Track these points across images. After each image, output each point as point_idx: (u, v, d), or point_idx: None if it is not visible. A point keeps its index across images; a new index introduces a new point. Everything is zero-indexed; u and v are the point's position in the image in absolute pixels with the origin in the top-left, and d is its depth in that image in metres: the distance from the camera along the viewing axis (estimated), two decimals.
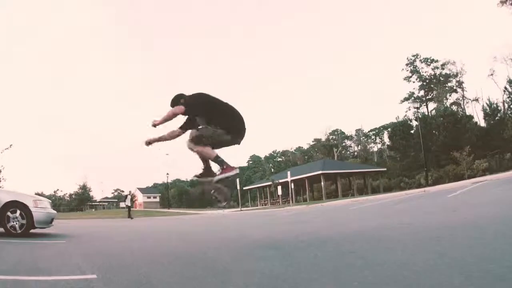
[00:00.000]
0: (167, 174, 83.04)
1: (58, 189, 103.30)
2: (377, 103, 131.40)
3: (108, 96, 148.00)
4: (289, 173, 39.89)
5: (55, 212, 10.45)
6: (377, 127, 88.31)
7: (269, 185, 53.40)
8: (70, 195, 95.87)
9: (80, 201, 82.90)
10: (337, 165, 58.86)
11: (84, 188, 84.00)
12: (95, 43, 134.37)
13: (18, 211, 9.04)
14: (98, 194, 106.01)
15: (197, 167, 5.92)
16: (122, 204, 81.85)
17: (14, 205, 9.06)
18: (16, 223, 9.06)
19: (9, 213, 9.08)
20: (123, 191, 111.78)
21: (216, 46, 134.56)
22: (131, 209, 34.48)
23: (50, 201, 10.78)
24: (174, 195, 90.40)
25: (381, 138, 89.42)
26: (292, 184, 41.51)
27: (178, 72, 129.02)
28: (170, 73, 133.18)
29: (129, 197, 34.88)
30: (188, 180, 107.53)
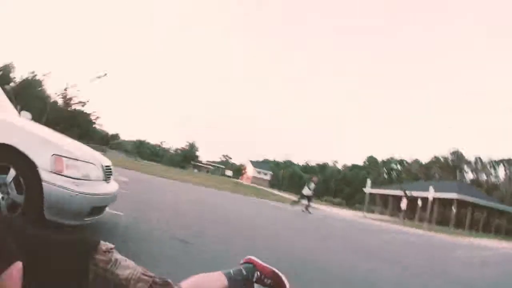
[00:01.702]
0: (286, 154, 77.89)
1: (164, 141, 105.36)
2: None
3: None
4: (431, 188, 33.72)
5: (112, 190, 4.53)
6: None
7: (396, 195, 46.63)
8: (176, 149, 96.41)
9: (185, 158, 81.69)
10: (475, 193, 50.82)
11: (192, 145, 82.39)
12: None
13: (12, 173, 3.64)
14: (204, 155, 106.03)
15: None
16: (228, 172, 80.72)
17: (7, 156, 3.68)
18: (2, 199, 3.65)
19: None
20: (231, 158, 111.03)
21: None
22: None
23: (109, 163, 4.76)
24: (284, 177, 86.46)
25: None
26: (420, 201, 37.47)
27: None
28: None
29: (312, 185, 22.66)
30: (301, 164, 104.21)
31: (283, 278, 2.55)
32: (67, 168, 3.65)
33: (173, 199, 12.53)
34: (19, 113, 5.53)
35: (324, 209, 32.19)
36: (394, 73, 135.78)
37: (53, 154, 3.62)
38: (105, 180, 4.30)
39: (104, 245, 1.97)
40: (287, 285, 2.55)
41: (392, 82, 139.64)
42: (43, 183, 3.51)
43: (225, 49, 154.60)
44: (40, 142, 3.82)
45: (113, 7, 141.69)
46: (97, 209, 4.11)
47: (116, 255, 1.98)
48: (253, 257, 2.60)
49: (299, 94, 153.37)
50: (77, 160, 3.80)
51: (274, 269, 2.56)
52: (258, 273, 2.51)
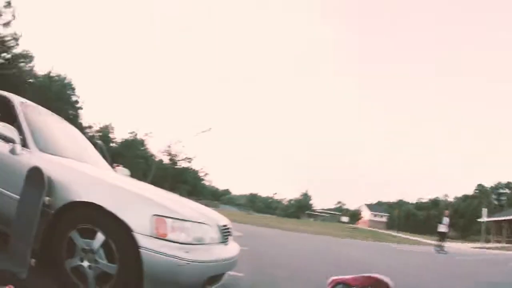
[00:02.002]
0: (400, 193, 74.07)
1: (276, 193, 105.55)
2: None
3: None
4: None
5: (233, 254, 3.53)
6: None
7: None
8: (289, 200, 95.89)
9: (299, 208, 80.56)
10: None
11: (305, 195, 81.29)
12: None
13: (100, 238, 2.91)
14: (318, 203, 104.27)
15: None
16: (343, 218, 78.13)
17: (92, 217, 3.00)
18: (89, 268, 2.93)
19: (75, 234, 3.00)
20: (345, 204, 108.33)
21: None
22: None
23: (227, 222, 3.87)
24: (399, 217, 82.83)
25: None
26: None
27: None
28: None
29: (446, 219, 20.46)
30: (414, 202, 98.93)
31: (381, 277, 2.33)
32: (173, 230, 2.89)
33: (293, 253, 11.61)
34: (114, 168, 5.03)
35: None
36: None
37: (154, 215, 2.88)
38: (223, 242, 3.48)
39: None
40: (390, 282, 2.32)
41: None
42: (141, 251, 2.76)
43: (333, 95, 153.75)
44: (135, 200, 3.11)
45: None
46: (214, 279, 3.24)
47: None
48: (336, 277, 2.45)
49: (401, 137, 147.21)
50: (185, 220, 3.02)
51: (366, 275, 2.36)
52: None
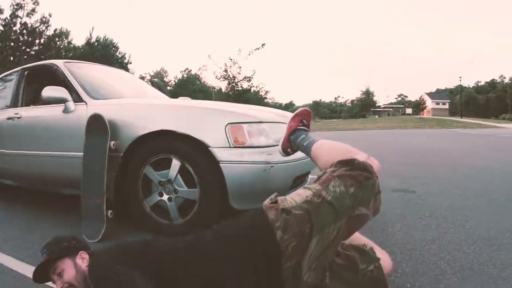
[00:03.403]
0: (460, 77, 69.84)
1: (338, 96, 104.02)
2: None
3: None
4: None
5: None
6: None
7: None
8: (352, 101, 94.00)
9: (363, 107, 78.74)
10: None
11: (367, 93, 78.83)
12: None
13: (175, 164, 2.68)
14: (381, 99, 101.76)
15: None
16: (408, 110, 75.71)
17: (164, 145, 2.75)
18: (169, 201, 2.74)
19: (148, 170, 2.81)
20: (406, 96, 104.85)
21: None
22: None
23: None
24: (461, 102, 79.79)
25: None
26: None
27: None
28: None
29: None
30: (473, 85, 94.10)
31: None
32: (251, 136, 2.58)
33: (363, 148, 11.31)
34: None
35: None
36: None
37: (228, 124, 2.58)
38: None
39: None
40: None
41: None
42: (221, 165, 2.52)
43: None
44: (206, 114, 2.78)
45: None
46: (300, 179, 3.01)
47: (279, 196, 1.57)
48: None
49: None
50: (261, 122, 2.69)
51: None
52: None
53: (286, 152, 2.18)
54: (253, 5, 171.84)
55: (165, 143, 2.73)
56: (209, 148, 2.54)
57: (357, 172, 1.51)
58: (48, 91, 3.22)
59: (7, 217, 3.65)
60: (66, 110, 3.29)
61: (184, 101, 3.66)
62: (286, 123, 2.54)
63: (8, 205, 4.19)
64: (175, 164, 2.67)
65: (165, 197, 2.75)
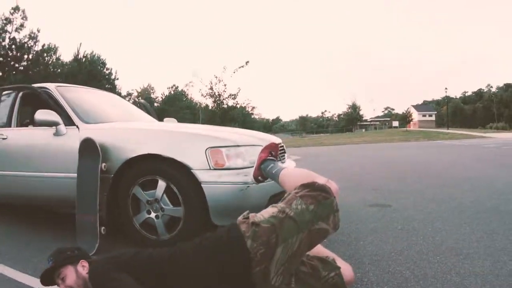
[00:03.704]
0: (446, 89, 70.69)
1: (325, 110, 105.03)
2: None
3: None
4: None
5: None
6: None
7: None
8: (339, 115, 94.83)
9: (349, 121, 79.41)
10: None
11: (353, 107, 79.56)
12: None
13: (161, 185, 2.95)
14: (368, 113, 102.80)
15: None
16: (394, 123, 76.35)
17: (151, 167, 3.02)
18: (157, 218, 3.01)
19: (137, 190, 3.06)
20: (393, 109, 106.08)
21: None
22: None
23: (280, 141, 3.77)
24: (447, 113, 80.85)
25: None
26: None
27: None
28: None
29: None
30: (460, 96, 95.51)
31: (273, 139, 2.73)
32: (229, 158, 2.84)
33: (346, 163, 11.58)
34: (162, 120, 5.04)
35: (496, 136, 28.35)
36: None
37: (208, 148, 2.84)
38: (279, 160, 3.40)
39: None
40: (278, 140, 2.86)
41: None
42: (203, 185, 2.76)
43: None
44: (187, 139, 3.07)
45: None
46: (277, 196, 3.21)
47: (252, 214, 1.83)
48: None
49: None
50: (238, 146, 2.95)
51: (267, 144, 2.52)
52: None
53: (257, 180, 2.44)
54: (238, 22, 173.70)
55: (152, 166, 2.96)
56: (192, 170, 2.77)
57: (316, 193, 1.79)
58: (41, 115, 3.40)
59: (7, 232, 3.84)
60: (57, 133, 3.46)
61: (168, 125, 3.93)
62: (261, 145, 2.81)
63: (8, 220, 4.36)
64: (161, 184, 2.90)
65: (152, 214, 2.97)
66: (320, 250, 2.02)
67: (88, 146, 3.15)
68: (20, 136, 3.92)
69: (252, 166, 2.60)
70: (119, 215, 3.13)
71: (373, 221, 3.89)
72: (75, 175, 3.19)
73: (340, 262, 1.93)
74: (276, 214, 1.77)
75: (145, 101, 5.85)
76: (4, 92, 4.43)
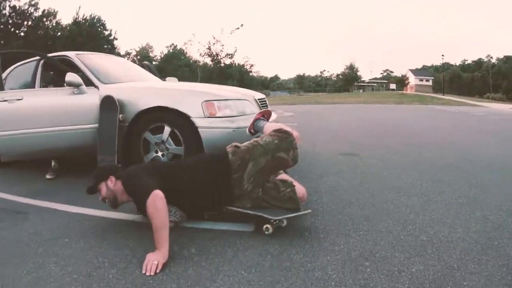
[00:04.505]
0: (443, 55, 70.39)
1: (324, 70, 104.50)
2: None
3: None
4: None
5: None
6: None
7: None
8: (337, 75, 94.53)
9: (347, 82, 79.49)
10: None
11: (351, 68, 79.41)
12: None
13: (167, 130, 3.81)
14: (366, 74, 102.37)
15: None
16: (392, 86, 76.36)
17: (159, 117, 3.85)
18: (163, 156, 3.89)
19: (148, 134, 3.93)
20: (392, 72, 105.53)
21: None
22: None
23: (263, 96, 4.74)
24: (444, 80, 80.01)
25: None
26: None
27: None
28: None
29: None
30: (459, 63, 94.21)
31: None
32: (220, 109, 3.68)
33: (337, 122, 12.18)
34: (164, 79, 5.81)
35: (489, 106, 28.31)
36: None
37: (203, 101, 3.67)
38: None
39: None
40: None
41: None
42: (199, 129, 3.61)
43: None
44: (187, 95, 3.90)
45: None
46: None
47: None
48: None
49: None
50: (227, 100, 3.80)
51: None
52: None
53: (250, 132, 3.31)
54: None
55: (159, 115, 3.78)
56: (191, 118, 3.62)
57: (281, 134, 2.70)
58: (70, 77, 4.04)
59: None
60: (80, 92, 4.10)
61: (171, 84, 4.79)
62: (246, 100, 3.74)
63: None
64: (167, 130, 3.76)
65: (159, 153, 3.84)
66: (284, 176, 2.86)
67: (108, 102, 3.91)
68: (45, 97, 4.31)
69: (237, 116, 3.61)
70: (132, 155, 3.93)
71: (339, 165, 4.72)
72: (94, 125, 3.95)
73: (297, 185, 2.74)
74: (251, 142, 2.69)
75: (148, 63, 6.50)
76: (28, 61, 4.96)
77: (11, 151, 4.31)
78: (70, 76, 4.04)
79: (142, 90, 4.14)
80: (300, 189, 2.70)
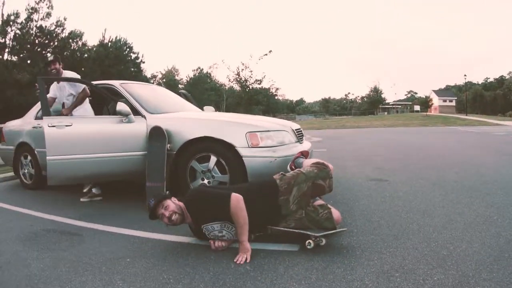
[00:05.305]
0: (465, 75, 69.54)
1: (349, 92, 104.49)
2: None
3: None
4: None
5: (306, 148, 4.35)
6: None
7: None
8: (362, 97, 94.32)
9: (372, 104, 79.35)
10: None
11: (375, 90, 79.39)
12: None
13: (213, 159, 4.10)
14: (390, 96, 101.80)
15: None
16: (416, 107, 75.93)
17: (205, 146, 4.14)
18: (209, 183, 4.12)
19: (194, 163, 4.19)
20: (416, 93, 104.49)
21: None
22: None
23: (298, 126, 5.03)
24: (467, 99, 78.95)
25: None
26: None
27: None
28: None
29: None
30: (482, 82, 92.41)
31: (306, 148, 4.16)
32: (262, 140, 3.99)
33: (363, 146, 12.63)
34: (202, 109, 6.15)
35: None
36: None
37: (247, 132, 3.98)
38: (298, 141, 4.54)
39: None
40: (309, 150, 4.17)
41: None
42: (243, 159, 3.91)
43: None
44: (232, 126, 4.19)
45: None
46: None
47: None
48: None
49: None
50: (269, 131, 4.12)
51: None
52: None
53: (291, 169, 3.68)
54: (264, 6, 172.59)
55: (206, 145, 4.10)
56: (235, 148, 3.95)
57: (319, 165, 3.17)
58: (121, 106, 4.40)
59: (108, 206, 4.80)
60: (128, 121, 4.44)
61: (215, 114, 5.19)
62: (285, 130, 4.24)
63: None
64: (213, 159, 4.07)
65: (205, 181, 4.13)
66: (321, 202, 3.23)
67: (157, 132, 4.28)
68: (94, 124, 4.60)
69: (277, 146, 4.01)
70: (178, 182, 4.25)
71: (369, 190, 5.00)
72: (142, 153, 4.32)
73: (332, 209, 3.08)
74: (295, 171, 3.23)
75: (186, 92, 6.87)
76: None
77: (60, 175, 4.37)
78: (121, 106, 4.38)
79: (188, 121, 4.48)
80: (335, 213, 3.03)
